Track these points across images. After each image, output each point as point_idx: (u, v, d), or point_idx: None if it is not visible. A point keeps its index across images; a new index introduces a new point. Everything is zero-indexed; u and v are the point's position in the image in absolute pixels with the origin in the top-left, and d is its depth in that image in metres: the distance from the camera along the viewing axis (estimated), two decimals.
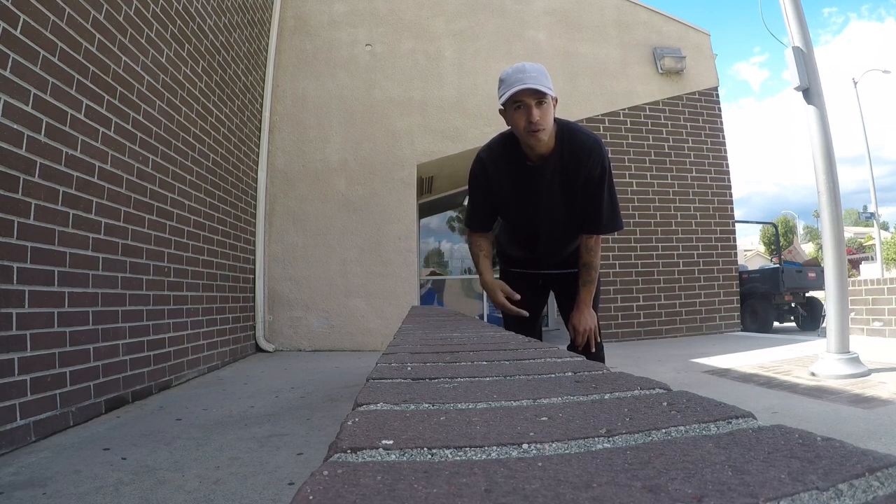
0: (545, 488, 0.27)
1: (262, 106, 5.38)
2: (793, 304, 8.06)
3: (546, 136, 1.59)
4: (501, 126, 1.75)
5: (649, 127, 6.29)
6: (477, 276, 1.95)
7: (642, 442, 0.35)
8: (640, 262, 6.05)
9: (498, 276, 1.94)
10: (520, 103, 1.54)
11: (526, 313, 1.77)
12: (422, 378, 0.61)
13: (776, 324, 8.05)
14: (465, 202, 1.92)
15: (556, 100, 1.61)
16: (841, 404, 2.49)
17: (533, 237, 1.83)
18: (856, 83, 15.87)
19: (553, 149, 1.65)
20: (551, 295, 2.08)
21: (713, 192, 6.44)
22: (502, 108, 1.62)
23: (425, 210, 8.33)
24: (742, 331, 6.44)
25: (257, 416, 2.51)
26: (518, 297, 1.76)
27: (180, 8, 3.55)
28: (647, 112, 6.31)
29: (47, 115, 2.24)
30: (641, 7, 6.61)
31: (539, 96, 1.53)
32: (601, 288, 1.95)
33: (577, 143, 1.65)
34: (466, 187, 1.88)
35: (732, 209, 6.55)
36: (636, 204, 6.12)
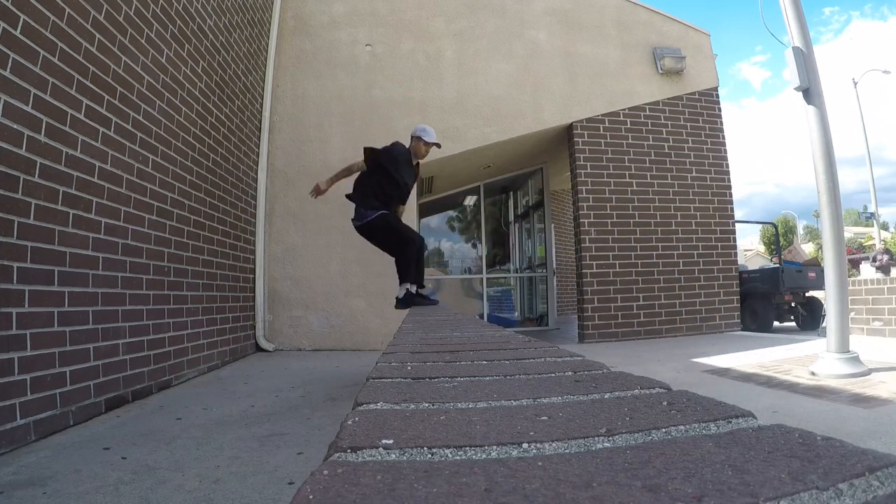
0: (545, 488, 0.27)
1: (262, 106, 5.38)
2: (793, 304, 8.06)
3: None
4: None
5: (649, 127, 6.28)
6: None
7: (642, 441, 0.35)
8: (640, 261, 6.04)
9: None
10: (430, 146, 3.43)
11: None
12: (422, 377, 0.61)
13: (776, 323, 8.05)
14: (394, 171, 3.33)
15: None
16: (841, 404, 2.49)
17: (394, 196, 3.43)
18: (856, 83, 15.87)
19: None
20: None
21: (713, 192, 6.43)
22: (419, 138, 3.40)
23: (425, 210, 8.32)
24: (742, 330, 6.43)
25: (257, 415, 2.51)
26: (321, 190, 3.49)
27: (180, 8, 3.54)
28: (647, 112, 6.31)
29: (47, 115, 2.24)
30: (641, 7, 6.61)
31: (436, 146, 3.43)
32: None
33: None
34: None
35: (732, 209, 6.55)
36: (636, 204, 6.11)
